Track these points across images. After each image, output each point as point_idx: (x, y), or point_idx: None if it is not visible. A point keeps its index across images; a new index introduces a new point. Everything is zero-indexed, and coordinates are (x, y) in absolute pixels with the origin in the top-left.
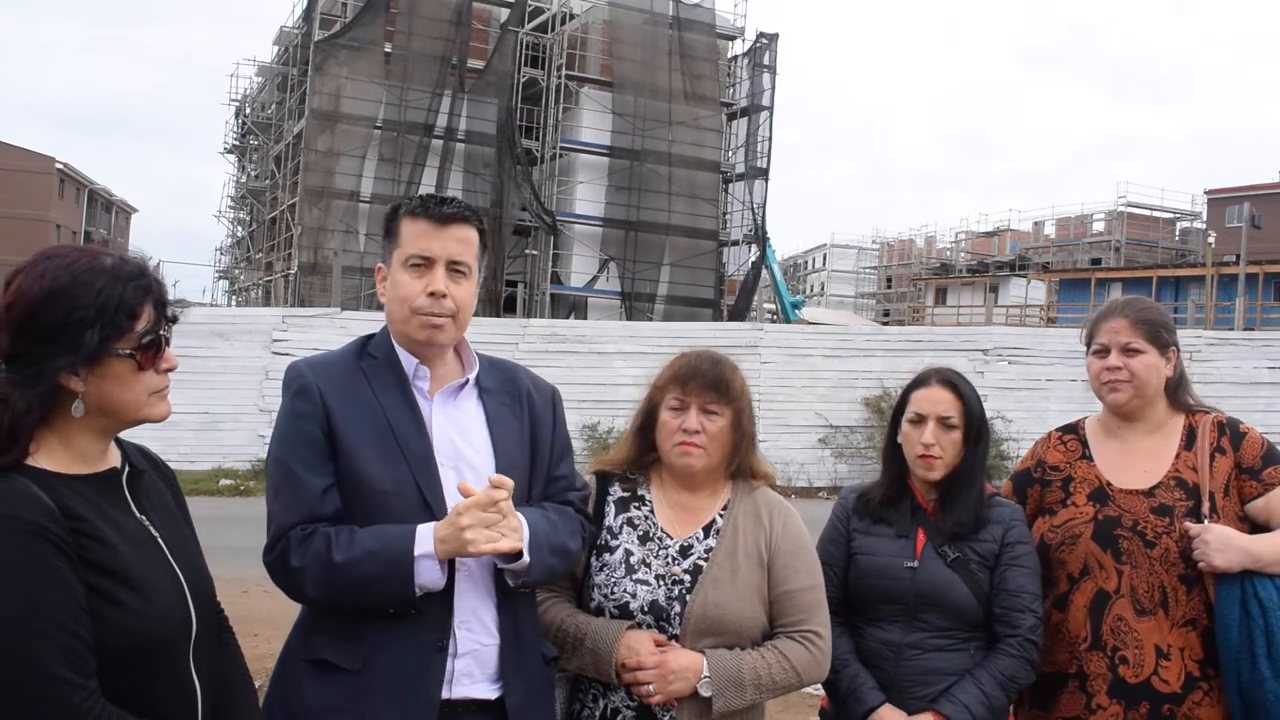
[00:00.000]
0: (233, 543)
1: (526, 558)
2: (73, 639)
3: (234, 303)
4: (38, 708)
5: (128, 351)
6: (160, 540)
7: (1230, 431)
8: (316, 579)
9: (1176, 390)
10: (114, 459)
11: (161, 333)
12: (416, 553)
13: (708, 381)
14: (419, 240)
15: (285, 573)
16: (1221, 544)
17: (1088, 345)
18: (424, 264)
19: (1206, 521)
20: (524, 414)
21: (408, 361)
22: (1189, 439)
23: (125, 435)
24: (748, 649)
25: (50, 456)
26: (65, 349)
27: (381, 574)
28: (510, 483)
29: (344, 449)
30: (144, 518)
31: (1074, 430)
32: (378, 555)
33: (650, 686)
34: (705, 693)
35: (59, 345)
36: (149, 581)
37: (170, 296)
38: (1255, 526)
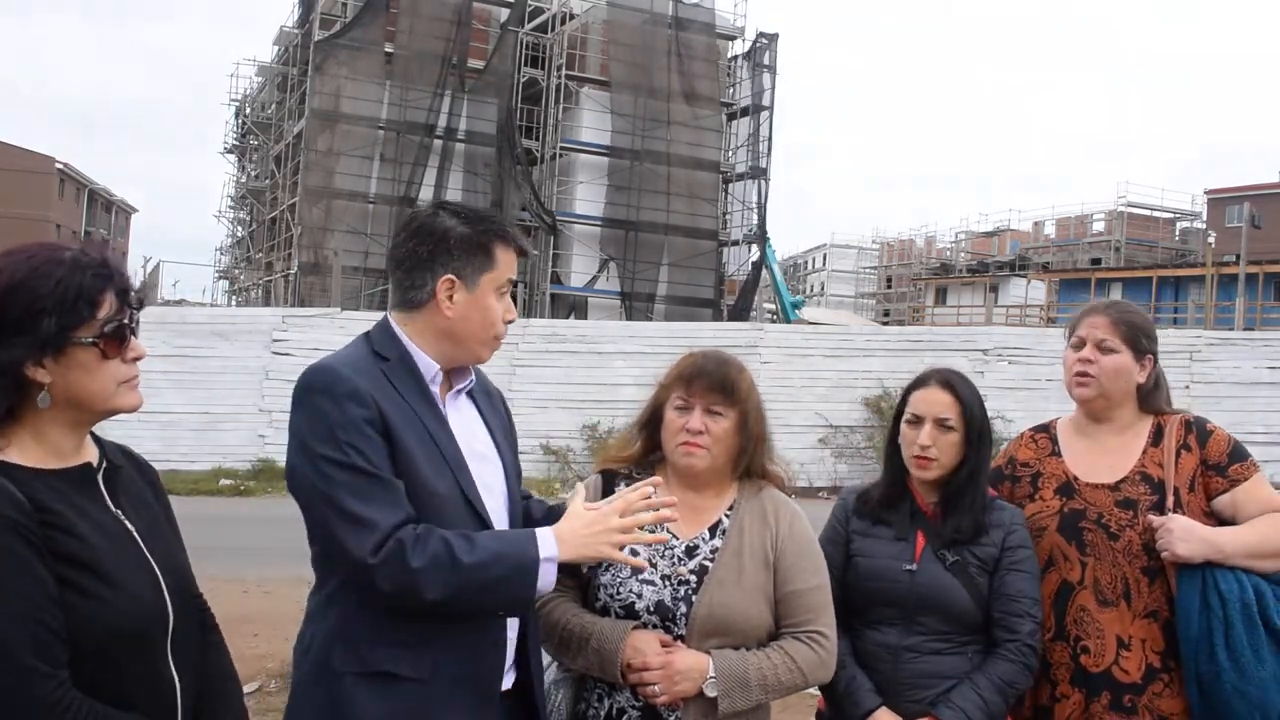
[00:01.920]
0: (233, 543)
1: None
2: (42, 629)
3: (234, 303)
4: (7, 697)
5: (90, 339)
6: (136, 534)
7: (1197, 430)
8: (441, 581)
9: (1149, 397)
10: (90, 454)
11: (126, 321)
12: (541, 556)
13: (712, 382)
14: (511, 269)
15: (403, 573)
16: (1185, 534)
17: (1068, 339)
18: (507, 292)
19: (1170, 514)
20: (501, 413)
21: (427, 366)
22: (1156, 436)
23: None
24: (753, 649)
25: (22, 451)
26: (26, 339)
27: (508, 577)
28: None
29: (401, 452)
30: (119, 512)
31: (1045, 429)
32: (505, 558)
33: (656, 687)
34: (711, 693)
35: (20, 336)
36: (122, 574)
37: (135, 284)
38: (1221, 522)
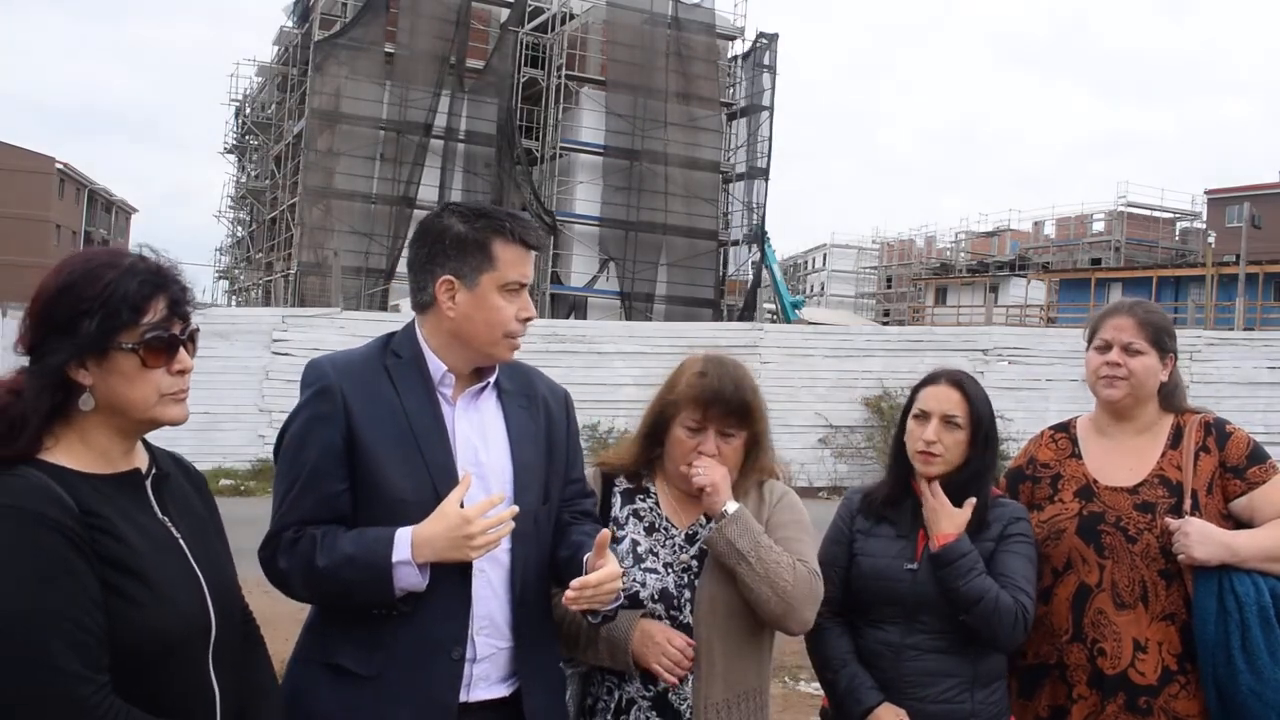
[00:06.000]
0: (233, 543)
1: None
2: (83, 633)
3: (234, 303)
4: (46, 701)
5: (131, 346)
6: (182, 542)
7: (1216, 431)
8: (302, 582)
9: (1170, 396)
10: (140, 461)
11: (173, 332)
12: (395, 559)
13: (730, 408)
14: (517, 266)
15: (274, 573)
16: (1201, 537)
17: (1089, 340)
18: (519, 289)
19: (1186, 517)
20: (540, 416)
21: (435, 367)
22: (1175, 438)
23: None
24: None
25: (70, 454)
26: (69, 340)
27: (361, 580)
28: (511, 510)
29: (364, 454)
30: (166, 519)
31: (1065, 429)
32: (356, 561)
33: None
34: (730, 509)
35: (65, 337)
36: (166, 580)
37: (192, 297)
38: (1239, 525)
